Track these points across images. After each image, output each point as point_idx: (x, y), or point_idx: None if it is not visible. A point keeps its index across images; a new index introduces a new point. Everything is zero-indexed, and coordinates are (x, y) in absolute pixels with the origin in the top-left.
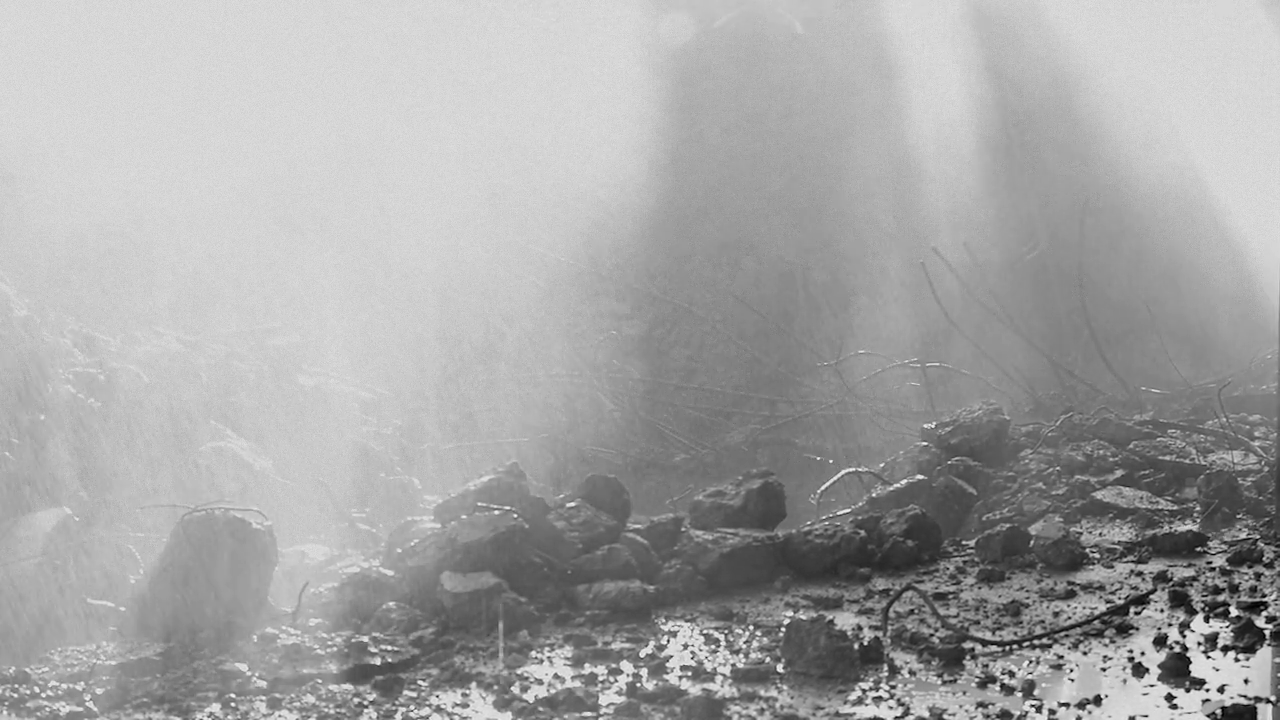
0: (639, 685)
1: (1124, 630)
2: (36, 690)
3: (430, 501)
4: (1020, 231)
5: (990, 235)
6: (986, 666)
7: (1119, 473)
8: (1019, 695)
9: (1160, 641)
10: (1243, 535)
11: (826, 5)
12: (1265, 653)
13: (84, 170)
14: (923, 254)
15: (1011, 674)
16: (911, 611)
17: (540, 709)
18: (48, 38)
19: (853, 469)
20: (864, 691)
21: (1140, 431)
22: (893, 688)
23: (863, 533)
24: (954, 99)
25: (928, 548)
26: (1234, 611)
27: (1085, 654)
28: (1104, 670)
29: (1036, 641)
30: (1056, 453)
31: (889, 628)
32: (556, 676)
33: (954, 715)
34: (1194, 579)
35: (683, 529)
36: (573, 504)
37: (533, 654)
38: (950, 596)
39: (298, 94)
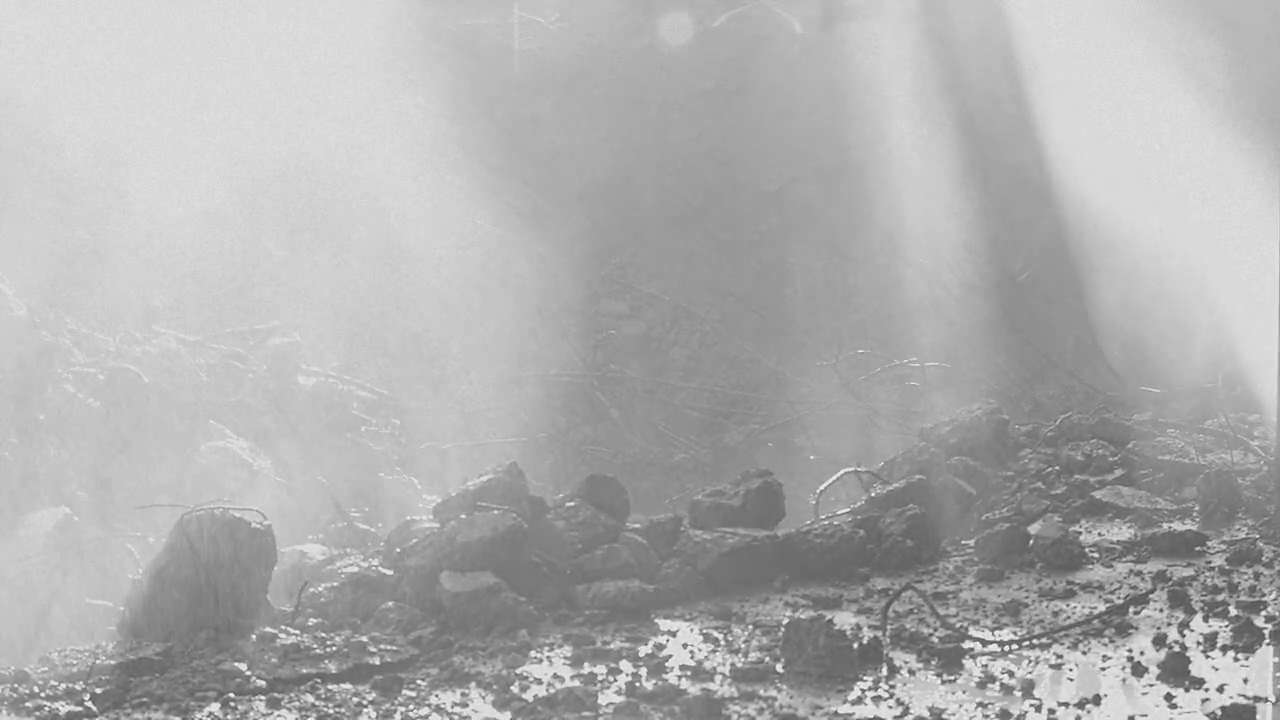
0: (638, 685)
1: (1123, 630)
2: (36, 690)
3: (430, 501)
4: (1018, 232)
5: (988, 236)
6: (986, 666)
7: (1118, 472)
8: (1018, 695)
9: (1159, 641)
10: (1242, 535)
11: (826, 7)
12: (1264, 652)
13: (84, 170)
14: (922, 254)
15: (1011, 674)
16: (911, 611)
17: (540, 709)
18: (48, 36)
19: (853, 469)
20: (863, 691)
21: (1140, 431)
22: (892, 687)
23: (862, 532)
24: (948, 100)
25: (927, 547)
26: (1233, 611)
27: (1085, 654)
28: (1103, 670)
29: (1036, 641)
30: (1056, 452)
31: (888, 627)
32: (556, 676)
33: (953, 715)
34: (1193, 579)
35: (682, 529)
36: (572, 504)
37: (532, 654)
38: (949, 596)
39: (297, 93)
